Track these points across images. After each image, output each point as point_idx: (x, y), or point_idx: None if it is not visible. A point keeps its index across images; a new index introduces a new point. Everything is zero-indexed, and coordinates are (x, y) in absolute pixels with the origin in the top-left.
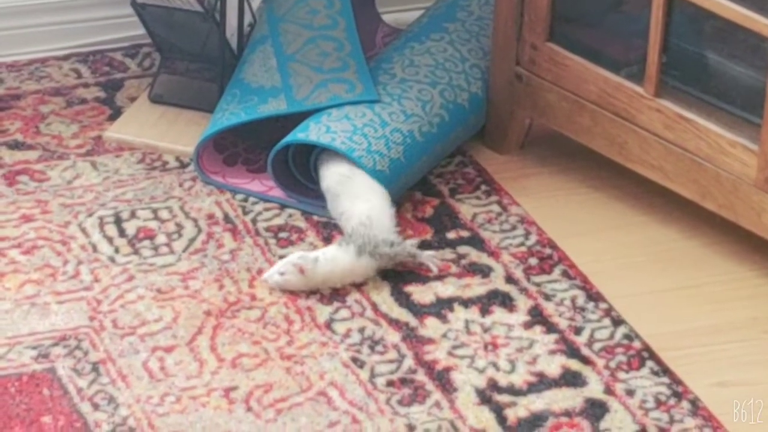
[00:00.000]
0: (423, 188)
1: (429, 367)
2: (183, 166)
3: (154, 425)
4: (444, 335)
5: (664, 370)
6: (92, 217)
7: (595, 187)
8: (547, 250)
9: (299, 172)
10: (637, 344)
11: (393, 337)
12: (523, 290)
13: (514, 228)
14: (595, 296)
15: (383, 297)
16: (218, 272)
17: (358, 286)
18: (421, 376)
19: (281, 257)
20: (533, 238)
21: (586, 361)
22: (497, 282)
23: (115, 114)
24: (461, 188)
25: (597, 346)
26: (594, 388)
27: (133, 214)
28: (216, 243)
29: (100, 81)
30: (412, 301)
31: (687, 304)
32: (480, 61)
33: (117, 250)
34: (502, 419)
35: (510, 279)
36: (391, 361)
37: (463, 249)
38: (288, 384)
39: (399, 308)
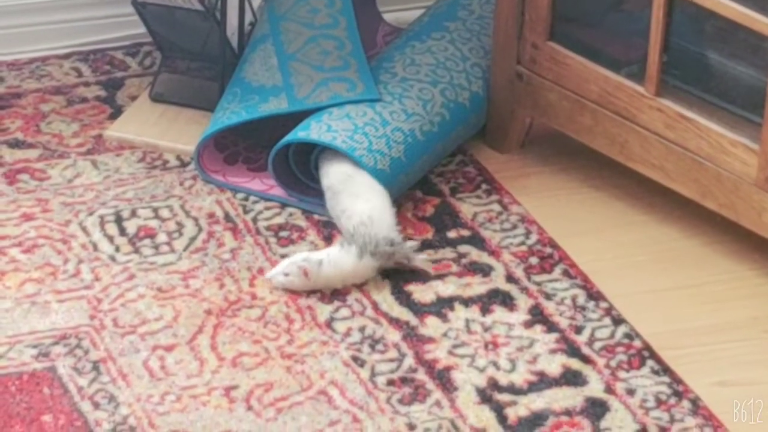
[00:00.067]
0: (424, 187)
1: (429, 366)
2: (184, 164)
3: (154, 424)
4: (444, 334)
5: (665, 370)
6: (93, 216)
7: (596, 187)
8: (548, 249)
9: (300, 171)
10: (637, 343)
11: (393, 336)
12: (524, 289)
13: (514, 227)
14: (595, 295)
15: (384, 296)
16: (219, 271)
17: (359, 285)
18: (421, 375)
19: (282, 256)
20: (534, 237)
21: (586, 360)
22: (498, 281)
23: (116, 113)
24: (462, 187)
25: (597, 345)
26: (594, 388)
27: (133, 213)
28: (216, 242)
29: (100, 80)
30: (413, 300)
31: (687, 304)
32: (481, 60)
33: (117, 249)
34: (502, 418)
35: (510, 278)
36: (391, 360)
37: (463, 248)
38: (288, 383)
39: (399, 307)
